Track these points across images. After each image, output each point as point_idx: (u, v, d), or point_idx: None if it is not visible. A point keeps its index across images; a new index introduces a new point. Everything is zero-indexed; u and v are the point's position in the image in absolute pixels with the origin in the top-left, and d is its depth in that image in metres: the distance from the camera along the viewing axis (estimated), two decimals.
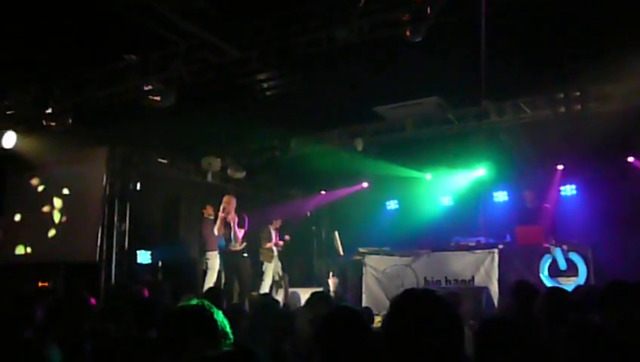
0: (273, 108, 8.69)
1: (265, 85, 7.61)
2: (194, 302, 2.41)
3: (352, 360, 2.49)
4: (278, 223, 10.56)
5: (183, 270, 10.45)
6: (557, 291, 3.97)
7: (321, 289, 8.87)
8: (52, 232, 10.10)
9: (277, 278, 10.09)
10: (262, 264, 10.02)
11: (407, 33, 5.74)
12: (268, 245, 10.22)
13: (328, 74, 7.76)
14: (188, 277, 10.32)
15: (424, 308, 1.96)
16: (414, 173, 11.50)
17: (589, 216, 9.69)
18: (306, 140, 10.65)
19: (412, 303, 2.01)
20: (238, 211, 9.34)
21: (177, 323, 2.24)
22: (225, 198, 9.36)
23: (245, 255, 9.40)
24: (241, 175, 11.33)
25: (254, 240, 9.98)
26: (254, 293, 8.94)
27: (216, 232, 9.23)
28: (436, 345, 1.88)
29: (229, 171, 11.18)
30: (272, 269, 10.02)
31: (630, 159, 9.22)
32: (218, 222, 9.19)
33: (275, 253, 10.27)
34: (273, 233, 10.40)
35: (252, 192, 11.95)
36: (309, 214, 12.98)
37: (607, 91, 7.96)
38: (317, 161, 10.82)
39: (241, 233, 9.25)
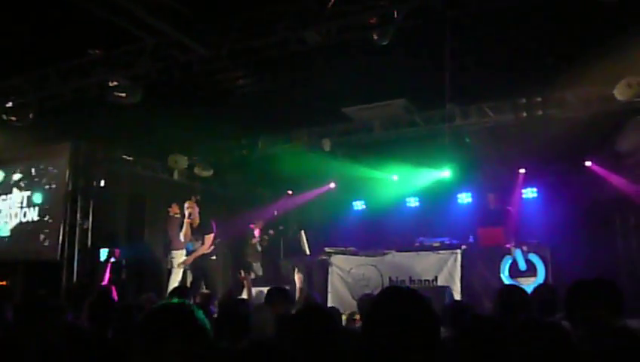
0: (241, 107, 8.68)
1: (232, 84, 7.59)
2: (175, 300, 2.39)
3: (325, 359, 2.52)
4: (260, 224, 10.63)
5: (148, 269, 10.32)
6: (510, 290, 4.09)
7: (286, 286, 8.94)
8: (11, 229, 9.86)
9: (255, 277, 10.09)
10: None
11: (375, 36, 5.82)
12: (253, 241, 10.32)
13: (297, 74, 7.80)
14: (152, 276, 10.20)
15: (407, 305, 2.02)
16: (381, 174, 11.60)
17: (549, 218, 9.94)
18: (274, 140, 10.66)
19: (395, 300, 2.06)
20: (205, 216, 9.25)
21: (155, 321, 2.22)
22: (188, 203, 9.17)
23: (214, 258, 9.32)
24: (208, 173, 11.25)
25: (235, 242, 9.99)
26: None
27: (182, 238, 9.02)
28: (417, 341, 1.94)
29: (195, 170, 11.10)
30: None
31: (588, 163, 9.49)
32: (185, 227, 9.01)
33: (260, 249, 10.33)
34: (256, 231, 10.47)
35: (219, 191, 11.88)
36: (275, 213, 12.96)
37: (567, 98, 8.20)
38: (285, 161, 10.83)
39: (210, 237, 9.17)
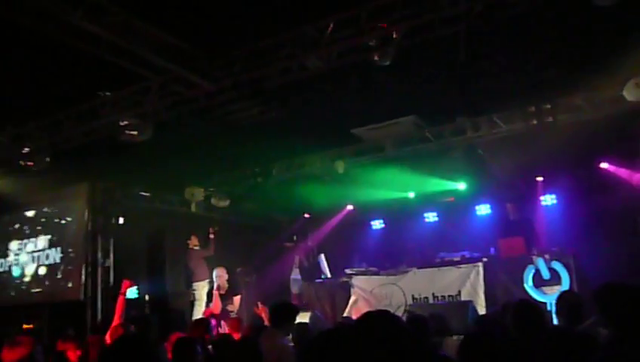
0: (253, 136, 8.76)
1: (240, 115, 7.69)
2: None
3: None
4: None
5: (171, 303, 10.38)
6: (524, 305, 4.04)
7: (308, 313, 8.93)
8: (34, 272, 10.01)
9: None
10: None
11: (376, 57, 5.86)
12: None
13: (304, 99, 7.87)
14: (176, 310, 10.25)
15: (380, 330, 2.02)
16: (397, 192, 11.57)
17: (570, 224, 9.81)
18: (288, 165, 10.72)
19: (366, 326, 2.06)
20: (232, 278, 9.39)
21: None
22: (217, 271, 9.19)
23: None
24: (225, 203, 11.34)
25: None
26: None
27: (216, 311, 8.75)
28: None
29: (212, 200, 11.20)
30: None
31: (604, 165, 9.36)
32: (215, 299, 8.83)
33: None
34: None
35: (236, 220, 11.96)
36: (295, 238, 12.99)
37: (577, 102, 8.13)
38: (300, 186, 10.89)
39: (238, 298, 9.22)
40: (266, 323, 8.91)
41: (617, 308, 3.02)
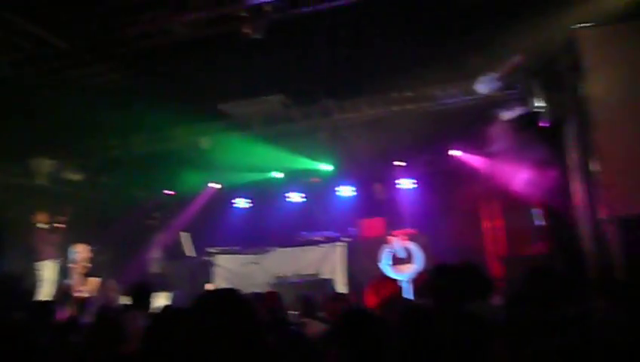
0: (112, 104, 8.17)
1: (98, 80, 7.10)
2: None
3: None
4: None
5: (9, 282, 9.43)
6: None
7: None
8: None
9: None
10: None
11: (247, 30, 5.69)
12: None
13: (170, 69, 7.48)
14: (16, 290, 9.33)
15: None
16: (263, 171, 11.51)
17: (425, 207, 10.41)
18: (149, 138, 10.17)
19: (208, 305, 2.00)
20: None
21: None
22: (79, 248, 8.69)
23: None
24: (78, 177, 10.52)
25: None
26: None
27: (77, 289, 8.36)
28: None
29: (64, 173, 10.31)
30: None
31: (457, 153, 10.04)
32: (75, 277, 8.40)
33: None
34: None
35: (91, 196, 11.14)
36: (156, 216, 12.44)
37: (436, 92, 8.61)
38: (162, 161, 10.42)
39: (96, 281, 8.65)
40: (118, 302, 8.53)
41: (440, 286, 3.27)
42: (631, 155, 6.86)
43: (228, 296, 2.03)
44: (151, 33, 5.83)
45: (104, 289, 9.01)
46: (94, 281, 8.62)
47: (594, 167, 6.95)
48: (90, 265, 8.64)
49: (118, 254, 11.44)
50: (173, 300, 8.48)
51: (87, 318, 5.55)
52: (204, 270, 9.94)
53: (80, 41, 5.84)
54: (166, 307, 3.80)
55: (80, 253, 8.62)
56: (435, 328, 2.72)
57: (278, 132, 9.62)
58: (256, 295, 5.30)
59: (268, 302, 5.00)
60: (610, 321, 2.37)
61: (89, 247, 8.84)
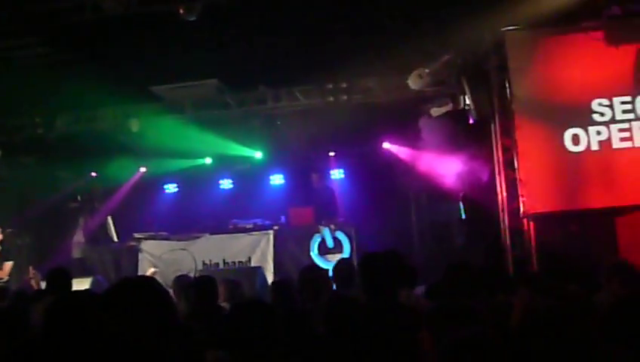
0: (35, 80, 7.78)
1: (20, 53, 6.74)
2: None
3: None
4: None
5: None
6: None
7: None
8: None
9: None
10: None
11: (182, 11, 5.58)
12: None
13: (101, 46, 7.22)
14: None
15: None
16: (194, 156, 11.32)
17: (355, 197, 10.59)
18: (75, 118, 9.77)
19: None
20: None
21: None
22: None
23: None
24: None
25: None
26: None
27: None
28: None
29: None
30: None
31: (386, 145, 10.28)
32: None
33: None
34: None
35: (9, 175, 10.58)
36: (79, 198, 11.97)
37: (370, 85, 8.78)
38: (88, 141, 10.04)
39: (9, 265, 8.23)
40: (36, 288, 8.19)
41: (368, 275, 3.38)
42: (547, 155, 7.31)
43: (144, 284, 2.01)
44: (82, 5, 5.58)
45: (20, 273, 8.63)
46: (8, 265, 8.24)
47: (515, 164, 7.33)
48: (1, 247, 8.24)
49: (38, 238, 10.97)
50: (93, 286, 8.22)
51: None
52: (130, 256, 9.68)
53: (6, 11, 5.51)
54: (71, 292, 3.71)
55: None
56: (364, 318, 2.81)
57: (212, 117, 9.51)
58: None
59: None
60: (533, 309, 2.55)
61: (1, 229, 8.40)
